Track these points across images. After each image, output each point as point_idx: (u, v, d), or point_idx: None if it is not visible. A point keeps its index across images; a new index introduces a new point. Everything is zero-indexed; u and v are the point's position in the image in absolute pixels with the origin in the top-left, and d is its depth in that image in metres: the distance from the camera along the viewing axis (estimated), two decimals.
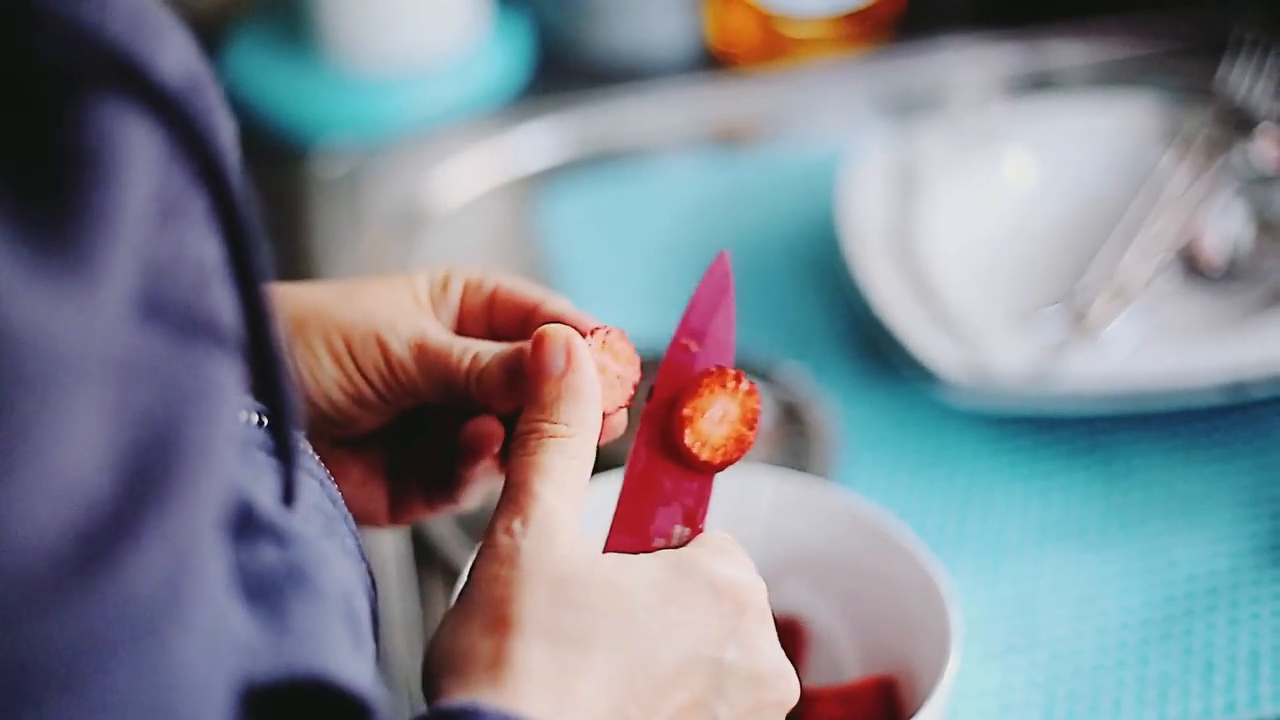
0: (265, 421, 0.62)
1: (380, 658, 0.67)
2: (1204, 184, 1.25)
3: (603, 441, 0.74)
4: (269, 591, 0.57)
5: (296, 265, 1.35)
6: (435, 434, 0.82)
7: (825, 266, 1.29)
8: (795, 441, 1.12)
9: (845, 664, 0.94)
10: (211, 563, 0.51)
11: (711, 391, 0.73)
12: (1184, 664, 0.98)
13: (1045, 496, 1.10)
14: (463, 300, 0.81)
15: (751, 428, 0.74)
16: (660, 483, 0.73)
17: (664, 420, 0.74)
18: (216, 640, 0.50)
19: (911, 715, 0.82)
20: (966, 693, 0.97)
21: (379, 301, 0.78)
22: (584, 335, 0.73)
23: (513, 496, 0.69)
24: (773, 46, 1.56)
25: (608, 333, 0.74)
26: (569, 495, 0.69)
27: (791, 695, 0.71)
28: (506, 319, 0.80)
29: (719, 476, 0.94)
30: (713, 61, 1.57)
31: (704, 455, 0.73)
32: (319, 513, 0.65)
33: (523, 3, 1.60)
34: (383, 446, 0.82)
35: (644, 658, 0.66)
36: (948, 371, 1.12)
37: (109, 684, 0.46)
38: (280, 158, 1.48)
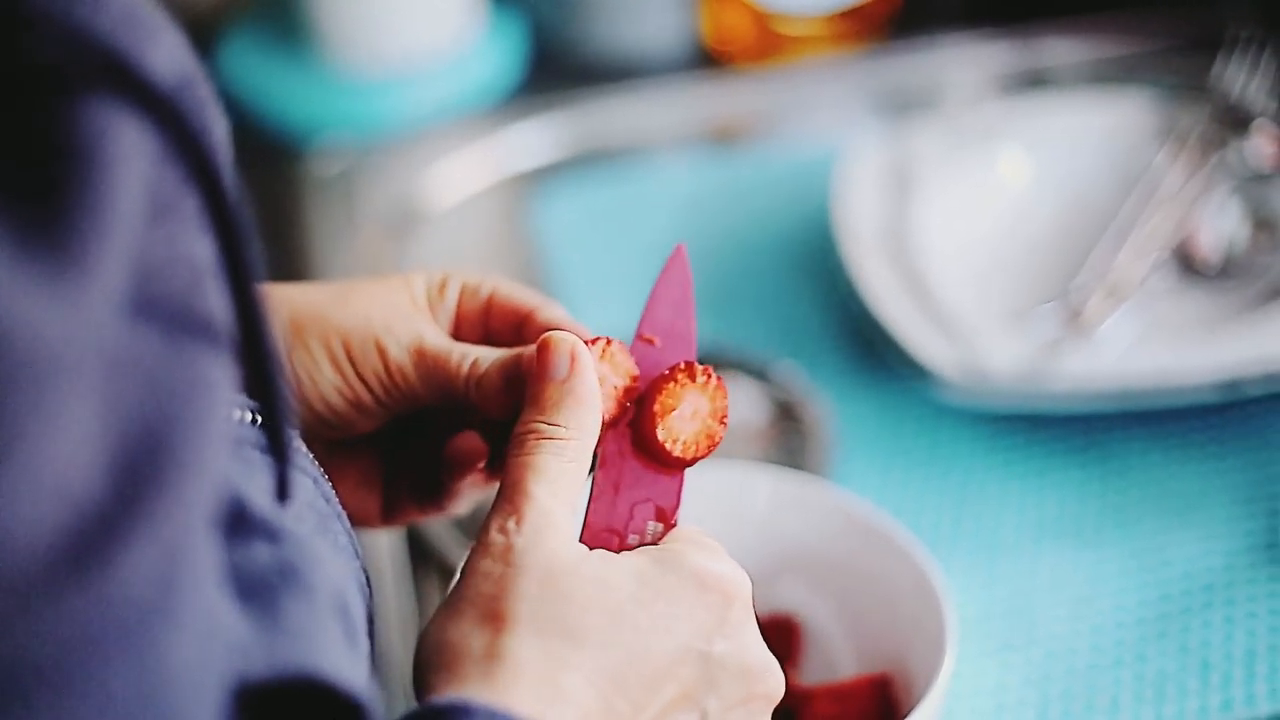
0: (259, 419, 0.62)
1: (375, 656, 0.67)
2: (1199, 182, 1.25)
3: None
4: (262, 589, 0.57)
5: (291, 264, 1.35)
6: (430, 438, 0.82)
7: (820, 265, 1.29)
8: (790, 440, 1.12)
9: (840, 662, 0.94)
10: (203, 561, 0.51)
11: (683, 387, 0.73)
12: (1180, 662, 0.98)
13: (1040, 495, 1.10)
14: (459, 304, 0.81)
15: (722, 423, 0.74)
16: (632, 479, 0.73)
17: (634, 416, 0.74)
18: (208, 638, 0.50)
19: (907, 713, 0.82)
20: (962, 691, 0.97)
21: (376, 305, 0.78)
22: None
23: (508, 496, 0.69)
24: (768, 45, 1.56)
25: (608, 343, 0.74)
26: (563, 497, 0.69)
27: (779, 690, 0.71)
28: (502, 324, 0.80)
29: (714, 476, 0.95)
30: (708, 60, 1.57)
31: (676, 451, 0.73)
32: (312, 510, 0.65)
33: (518, 1, 1.60)
34: (377, 450, 0.82)
35: (634, 652, 0.66)
36: (943, 369, 1.11)
37: (100, 682, 0.46)
38: (275, 157, 1.48)
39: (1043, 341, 1.14)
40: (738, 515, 0.95)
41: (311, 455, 0.69)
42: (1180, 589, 1.03)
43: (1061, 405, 1.11)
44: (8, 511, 0.44)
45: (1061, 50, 1.52)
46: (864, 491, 1.08)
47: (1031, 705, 0.96)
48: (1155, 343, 1.15)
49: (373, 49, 1.50)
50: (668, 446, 0.73)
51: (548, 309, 0.80)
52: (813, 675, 0.93)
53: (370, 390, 0.77)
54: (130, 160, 0.49)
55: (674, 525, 0.74)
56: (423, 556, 1.09)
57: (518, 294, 0.81)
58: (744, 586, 0.71)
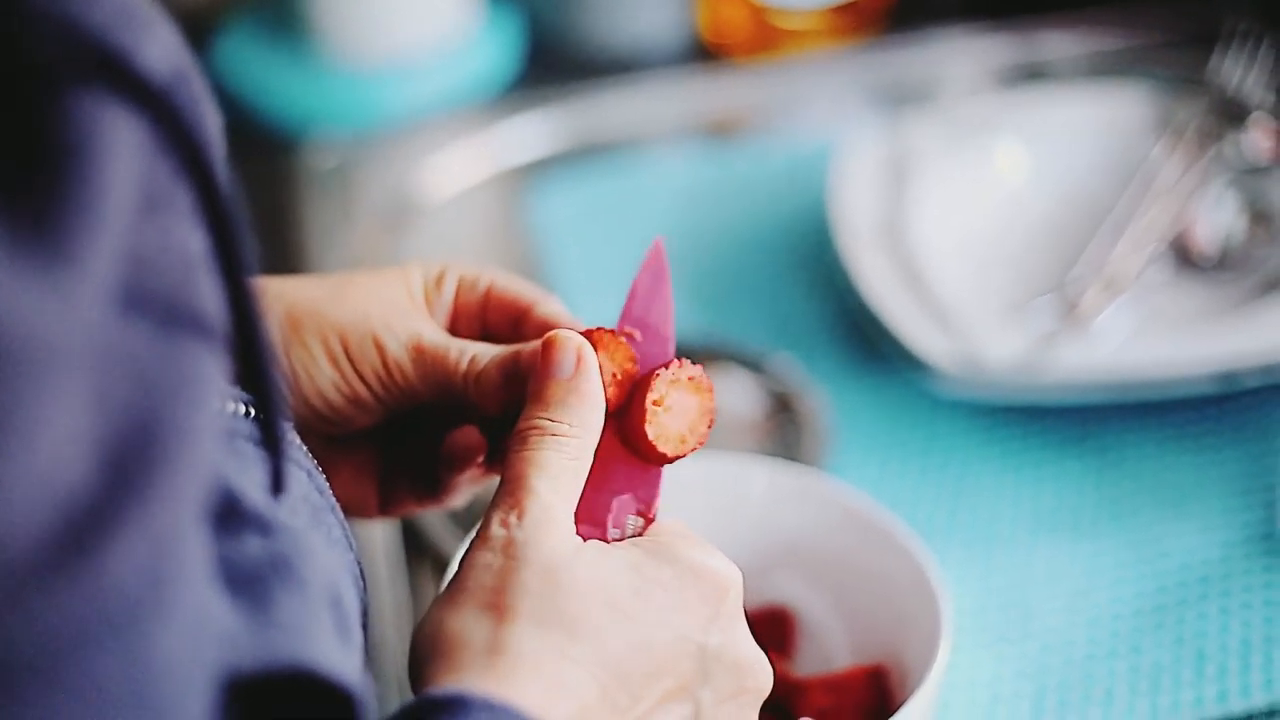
0: (253, 412, 0.62)
1: (368, 648, 0.67)
2: (1196, 174, 1.25)
3: None
4: (253, 582, 0.57)
5: (287, 257, 1.35)
6: (427, 433, 0.82)
7: (817, 258, 1.29)
8: (786, 431, 1.12)
9: (836, 654, 0.94)
10: (193, 553, 0.51)
11: (675, 384, 0.73)
12: (1175, 654, 0.98)
13: (1037, 487, 1.10)
14: (457, 297, 0.81)
15: (709, 423, 0.74)
16: (615, 472, 0.73)
17: (619, 410, 0.74)
18: (198, 631, 0.50)
19: (901, 705, 0.82)
20: (958, 683, 0.97)
21: (374, 300, 0.78)
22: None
23: (509, 490, 0.69)
24: (764, 38, 1.56)
25: (606, 333, 0.74)
26: (564, 493, 0.69)
27: (768, 685, 0.71)
28: (500, 317, 0.80)
29: (711, 467, 0.95)
30: (704, 53, 1.57)
31: (662, 447, 0.73)
32: (306, 503, 0.65)
33: None
34: (374, 444, 0.82)
35: (633, 644, 0.67)
36: (939, 362, 1.11)
37: (89, 674, 0.46)
38: (270, 150, 1.47)
39: (1039, 334, 1.14)
40: (734, 507, 0.95)
41: (306, 448, 0.69)
42: (1176, 581, 1.03)
43: (1058, 397, 1.11)
44: None
45: (1058, 43, 1.52)
46: (860, 483, 1.07)
47: (1027, 697, 0.96)
48: (1152, 335, 1.15)
49: (369, 42, 1.50)
50: (656, 443, 0.73)
51: (545, 303, 0.80)
52: (808, 666, 0.94)
53: (368, 387, 0.77)
54: (122, 154, 0.49)
55: (652, 520, 0.74)
56: (417, 549, 1.09)
57: (515, 287, 0.81)
58: (736, 580, 0.71)
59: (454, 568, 0.69)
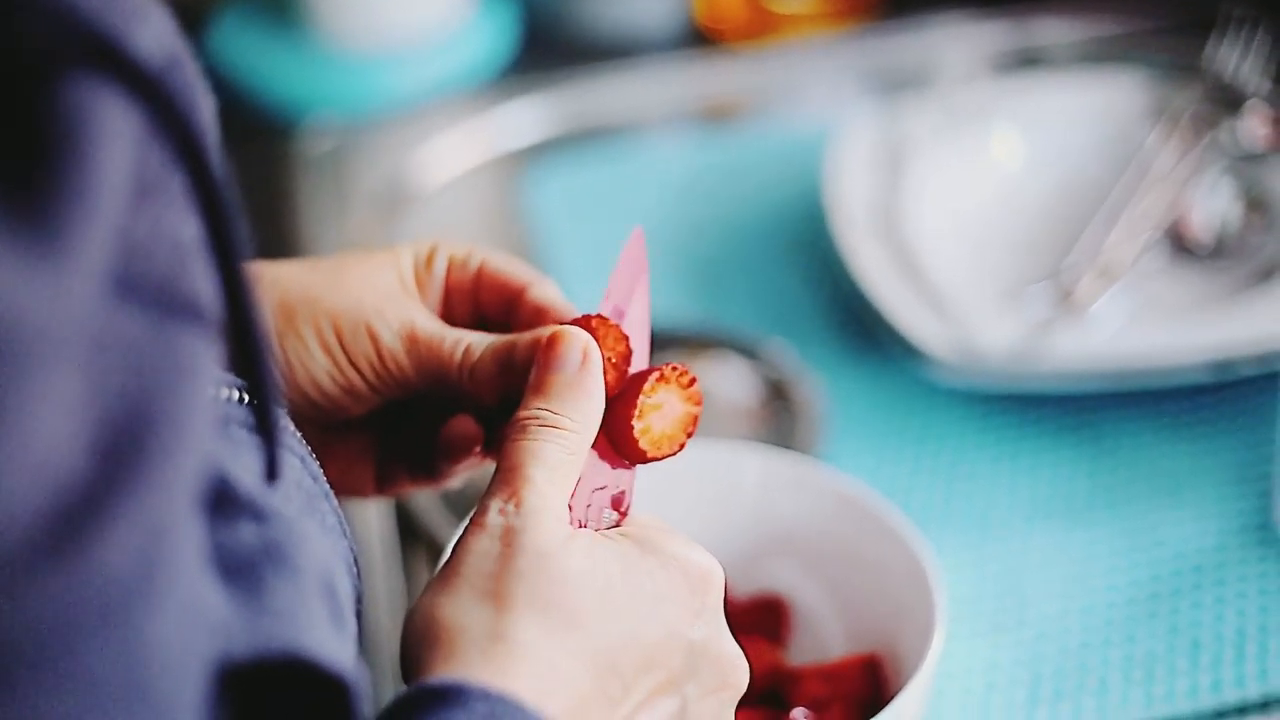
0: (246, 398, 0.62)
1: (362, 635, 0.66)
2: (1191, 162, 1.25)
3: None
4: (246, 569, 0.56)
5: (282, 242, 1.35)
6: (422, 419, 0.82)
7: (812, 244, 1.29)
8: (781, 419, 1.12)
9: (830, 642, 0.93)
10: (186, 540, 0.51)
11: (666, 386, 0.73)
12: (1170, 643, 0.98)
13: (1032, 474, 1.10)
14: (448, 277, 0.80)
15: (689, 433, 0.74)
16: (594, 466, 0.73)
17: (609, 401, 0.74)
18: (191, 618, 0.50)
19: (896, 693, 0.82)
20: (953, 671, 0.97)
21: (367, 287, 0.77)
22: (576, 322, 0.74)
23: (507, 479, 0.69)
24: (760, 23, 1.56)
25: (603, 320, 0.74)
26: (560, 485, 0.69)
27: (745, 683, 0.71)
28: (493, 297, 0.80)
29: (705, 455, 0.95)
30: (700, 38, 1.57)
31: (644, 444, 0.73)
32: (300, 490, 0.65)
33: None
34: (370, 429, 0.82)
35: (626, 636, 0.66)
36: (934, 349, 1.11)
37: (81, 662, 0.46)
38: (266, 134, 1.47)
39: (1034, 321, 1.13)
40: (728, 494, 0.95)
41: (300, 434, 0.69)
42: (1171, 569, 1.03)
43: (1053, 385, 1.11)
44: None
45: (1054, 30, 1.52)
46: (855, 471, 1.07)
47: (1022, 685, 0.96)
48: (1147, 323, 1.15)
49: (364, 26, 1.50)
50: (640, 443, 0.73)
51: (539, 286, 0.80)
52: (802, 655, 0.93)
53: (362, 375, 0.77)
54: (115, 140, 0.49)
55: (625, 514, 0.74)
56: (412, 535, 1.09)
57: (508, 268, 0.80)
58: (720, 574, 0.71)
59: (449, 553, 0.68)
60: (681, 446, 0.74)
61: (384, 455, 0.83)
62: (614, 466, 0.73)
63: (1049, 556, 1.04)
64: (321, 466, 0.69)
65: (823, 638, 0.94)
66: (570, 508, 0.71)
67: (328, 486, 0.68)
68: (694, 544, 0.71)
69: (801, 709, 0.88)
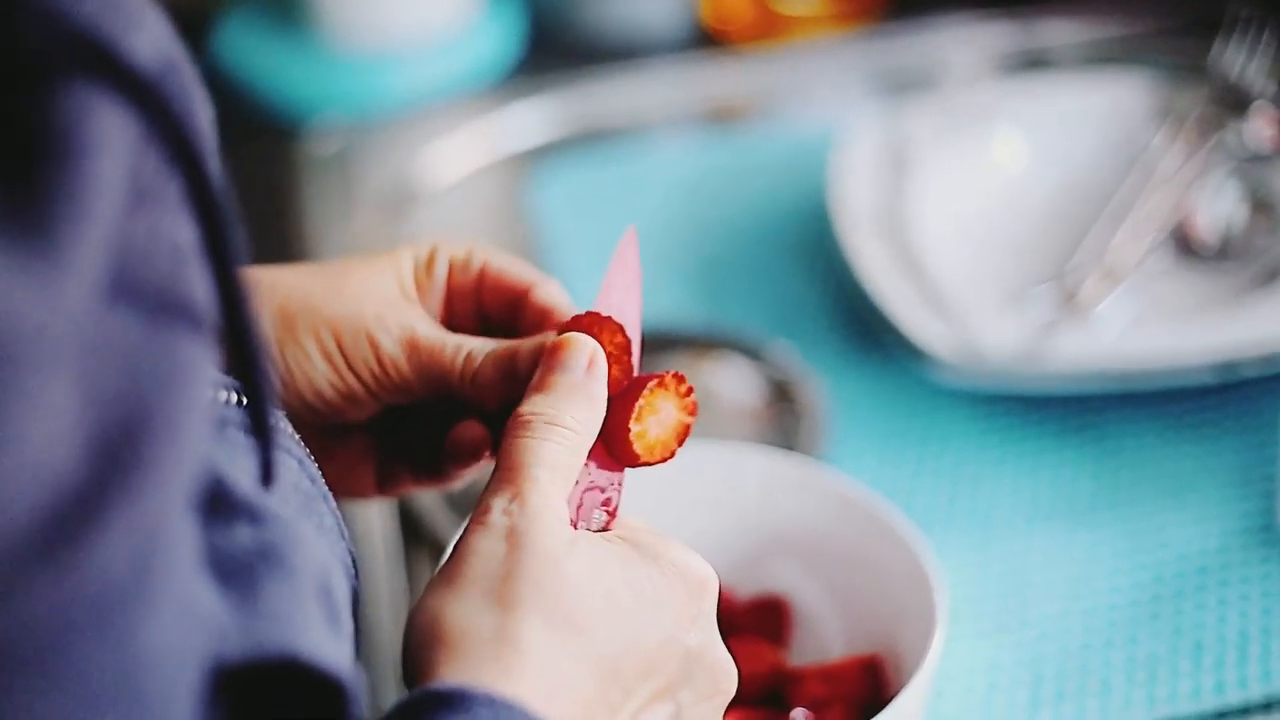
0: (244, 400, 0.62)
1: (360, 637, 0.66)
2: (1197, 163, 1.25)
3: None
4: (242, 571, 0.56)
5: (287, 244, 1.35)
6: (424, 423, 0.82)
7: (816, 245, 1.29)
8: (785, 420, 1.12)
9: (831, 643, 0.93)
10: (181, 543, 0.51)
11: (665, 393, 0.74)
12: (1173, 644, 0.98)
13: (1035, 476, 1.10)
14: (450, 279, 0.80)
15: (680, 441, 0.74)
16: (585, 467, 0.73)
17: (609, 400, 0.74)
18: (186, 620, 0.50)
19: (897, 694, 0.82)
20: (954, 671, 0.97)
21: (367, 293, 0.77)
22: (572, 320, 0.74)
23: (509, 478, 0.68)
24: (766, 25, 1.56)
25: (603, 319, 0.74)
26: (561, 486, 0.69)
27: (734, 690, 0.71)
28: (496, 298, 0.80)
29: (708, 455, 0.95)
30: (706, 40, 1.57)
31: (638, 448, 0.73)
32: (297, 492, 0.65)
33: None
34: (371, 431, 0.82)
35: (628, 640, 0.66)
36: (938, 350, 1.11)
37: (76, 664, 0.46)
38: (271, 136, 1.47)
39: (1038, 322, 1.13)
40: (731, 495, 0.95)
41: (299, 436, 0.69)
42: (1174, 571, 1.03)
43: (1057, 386, 1.11)
44: None
45: (1059, 31, 1.52)
46: (858, 472, 1.07)
47: (1024, 685, 0.96)
48: (1152, 324, 1.15)
49: (370, 27, 1.50)
50: (635, 446, 0.73)
51: (543, 287, 0.80)
52: (803, 656, 0.93)
53: (362, 382, 0.77)
54: (111, 145, 0.49)
55: (614, 516, 0.74)
56: (415, 535, 1.09)
57: (511, 269, 0.80)
58: (714, 580, 0.71)
59: (450, 552, 0.68)
60: (672, 454, 0.74)
61: (385, 456, 0.83)
62: (605, 468, 0.73)
63: (1052, 557, 1.04)
64: (322, 468, 0.69)
65: (824, 638, 0.94)
66: None
67: (326, 488, 0.68)
68: (689, 549, 0.71)
69: (802, 709, 0.88)
